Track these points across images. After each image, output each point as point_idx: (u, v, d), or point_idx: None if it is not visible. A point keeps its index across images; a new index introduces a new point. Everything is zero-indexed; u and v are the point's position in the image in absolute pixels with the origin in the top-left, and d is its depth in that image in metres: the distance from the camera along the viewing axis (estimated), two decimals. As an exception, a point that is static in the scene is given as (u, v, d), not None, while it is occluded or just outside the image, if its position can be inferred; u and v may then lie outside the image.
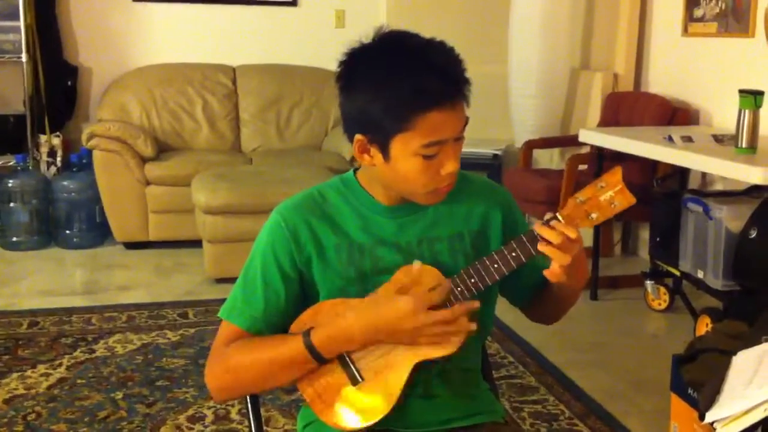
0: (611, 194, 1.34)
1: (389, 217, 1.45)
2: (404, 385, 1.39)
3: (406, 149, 1.33)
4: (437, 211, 1.46)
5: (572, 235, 1.33)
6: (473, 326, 1.36)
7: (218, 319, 1.48)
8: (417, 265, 1.39)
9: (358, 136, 1.37)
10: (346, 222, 1.45)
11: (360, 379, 1.39)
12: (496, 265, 1.37)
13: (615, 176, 1.35)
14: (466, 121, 1.36)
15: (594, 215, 1.35)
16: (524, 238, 1.36)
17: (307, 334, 1.37)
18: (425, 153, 1.32)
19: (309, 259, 1.43)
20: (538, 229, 1.34)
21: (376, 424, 1.41)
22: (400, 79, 1.30)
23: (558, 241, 1.32)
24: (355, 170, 1.49)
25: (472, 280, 1.37)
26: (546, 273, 1.36)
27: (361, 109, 1.34)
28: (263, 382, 1.44)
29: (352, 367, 1.39)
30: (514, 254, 1.36)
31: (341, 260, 1.42)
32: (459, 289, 1.37)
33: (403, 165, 1.35)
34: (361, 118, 1.35)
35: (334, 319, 1.38)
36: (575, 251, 1.34)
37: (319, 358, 1.38)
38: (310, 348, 1.36)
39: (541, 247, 1.34)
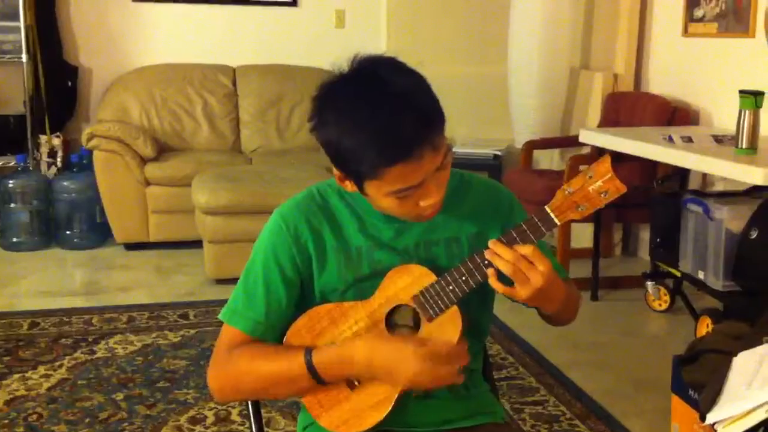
0: (600, 184, 1.32)
1: (387, 221, 1.44)
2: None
3: (378, 192, 1.33)
4: (435, 216, 1.45)
5: (525, 251, 1.31)
6: (461, 378, 1.36)
7: (219, 320, 1.48)
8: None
9: (335, 170, 1.38)
10: (345, 224, 1.45)
11: (356, 384, 1.40)
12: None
13: (604, 165, 1.32)
14: (448, 149, 1.32)
15: (583, 206, 1.33)
16: (478, 258, 1.34)
17: (309, 352, 1.37)
18: (397, 196, 1.32)
19: (309, 260, 1.43)
20: (489, 256, 1.32)
21: (376, 425, 1.40)
22: (361, 131, 1.27)
23: (510, 257, 1.31)
24: None
25: (450, 287, 1.36)
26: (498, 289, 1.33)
27: (331, 151, 1.33)
28: (263, 392, 1.45)
29: None
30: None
31: (339, 264, 1.43)
32: (451, 286, 1.36)
33: (380, 202, 1.36)
34: (332, 158, 1.35)
35: (339, 344, 1.38)
36: (533, 275, 1.31)
37: (318, 379, 1.38)
38: (310, 368, 1.37)
39: (492, 282, 1.32)
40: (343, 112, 1.29)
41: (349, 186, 1.38)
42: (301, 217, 1.44)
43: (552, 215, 1.34)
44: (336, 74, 1.33)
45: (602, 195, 1.32)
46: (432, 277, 1.38)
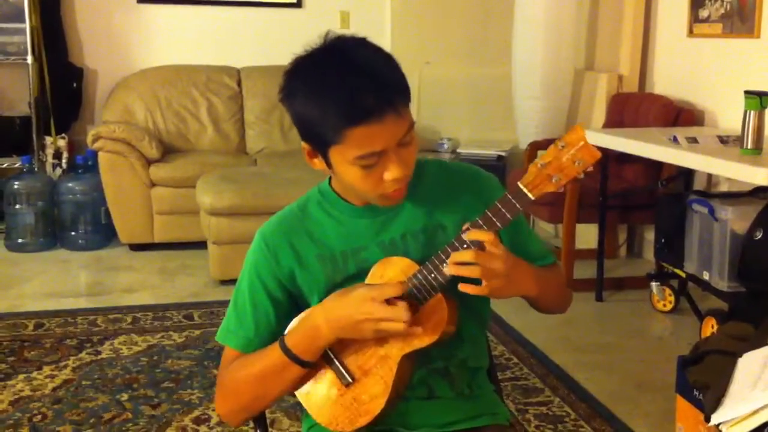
0: (573, 152, 1.29)
1: (369, 218, 1.45)
2: (394, 378, 1.38)
3: (342, 159, 1.34)
4: (417, 204, 1.45)
5: (485, 238, 1.30)
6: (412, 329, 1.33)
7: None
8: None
9: (303, 144, 1.40)
10: (327, 234, 1.45)
11: (350, 380, 1.40)
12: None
13: (576, 133, 1.30)
14: (411, 125, 1.34)
15: (557, 177, 1.30)
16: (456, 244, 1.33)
17: (282, 339, 1.39)
18: (361, 164, 1.32)
19: (292, 274, 1.45)
20: (454, 271, 1.30)
21: (378, 424, 1.41)
22: (325, 95, 1.30)
23: (468, 257, 1.29)
24: (331, 178, 1.50)
25: (432, 275, 1.34)
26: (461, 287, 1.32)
27: (298, 120, 1.36)
28: (261, 396, 1.45)
29: (342, 368, 1.40)
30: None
31: (326, 270, 1.44)
32: (432, 274, 1.34)
33: (344, 173, 1.36)
34: (300, 128, 1.37)
35: (302, 319, 1.40)
36: (493, 264, 1.30)
37: (298, 361, 1.38)
38: (287, 351, 1.38)
39: (455, 270, 1.30)
40: (308, 81, 1.33)
41: (318, 163, 1.40)
42: (281, 236, 1.46)
43: (525, 190, 1.31)
44: (306, 50, 1.36)
45: (576, 163, 1.29)
46: (415, 267, 1.37)
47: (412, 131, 1.35)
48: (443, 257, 1.34)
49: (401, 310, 1.31)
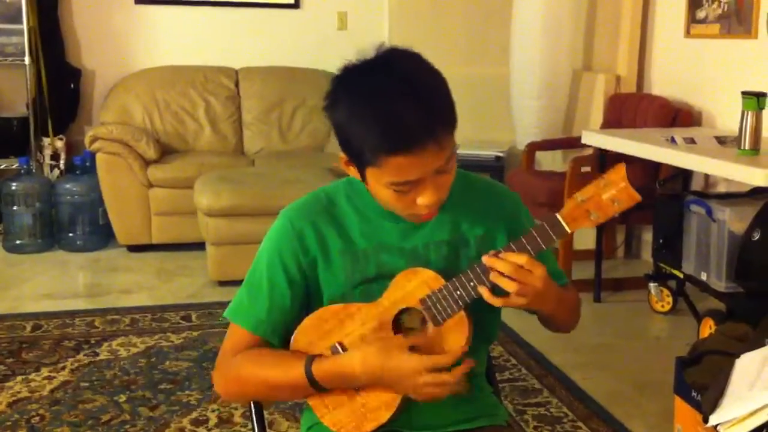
0: (614, 192, 1.29)
1: (394, 222, 1.44)
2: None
3: (377, 181, 1.32)
4: (442, 216, 1.44)
5: (521, 261, 1.31)
6: (466, 387, 1.38)
7: (222, 322, 1.50)
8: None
9: (341, 153, 1.38)
10: (351, 226, 1.44)
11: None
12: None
13: (618, 173, 1.29)
14: (452, 154, 1.32)
15: (595, 215, 1.30)
16: (477, 269, 1.34)
17: (309, 362, 1.38)
18: (394, 188, 1.32)
19: (314, 261, 1.43)
20: (486, 260, 1.32)
21: (379, 427, 1.41)
22: (369, 115, 1.28)
23: (508, 270, 1.30)
24: None
25: (458, 293, 1.35)
26: (487, 298, 1.33)
27: (338, 132, 1.34)
28: (267, 396, 1.49)
29: None
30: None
31: (345, 266, 1.42)
32: (458, 291, 1.35)
33: (378, 192, 1.35)
34: (339, 139, 1.36)
35: (338, 357, 1.39)
36: (531, 281, 1.31)
37: (319, 389, 1.39)
38: (311, 379, 1.38)
39: (493, 277, 1.32)
40: (355, 96, 1.30)
41: (352, 171, 1.38)
42: (306, 219, 1.44)
43: (563, 223, 1.32)
44: (359, 59, 1.33)
45: (614, 203, 1.29)
46: (440, 281, 1.37)
47: (453, 158, 1.33)
48: (471, 275, 1.34)
49: (448, 388, 1.35)
